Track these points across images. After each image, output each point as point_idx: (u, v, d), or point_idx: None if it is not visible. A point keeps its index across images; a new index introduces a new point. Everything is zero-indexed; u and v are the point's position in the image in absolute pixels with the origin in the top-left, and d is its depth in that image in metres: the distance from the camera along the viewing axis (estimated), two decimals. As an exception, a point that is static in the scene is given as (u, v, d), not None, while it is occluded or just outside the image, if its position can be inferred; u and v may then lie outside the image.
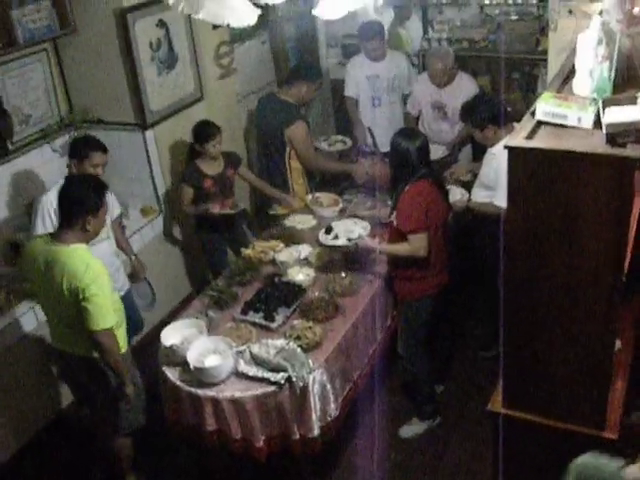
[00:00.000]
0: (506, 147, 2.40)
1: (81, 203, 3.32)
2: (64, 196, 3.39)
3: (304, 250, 4.35)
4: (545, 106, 2.50)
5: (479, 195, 4.33)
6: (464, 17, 6.49)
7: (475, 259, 4.51)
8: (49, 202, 3.89)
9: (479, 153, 4.78)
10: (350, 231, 4.28)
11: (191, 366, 3.44)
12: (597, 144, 2.30)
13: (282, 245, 4.44)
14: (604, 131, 2.31)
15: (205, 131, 4.62)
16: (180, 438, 3.80)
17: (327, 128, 6.91)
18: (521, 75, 6.43)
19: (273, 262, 4.29)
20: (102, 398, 3.65)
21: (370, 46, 5.57)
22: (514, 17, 6.22)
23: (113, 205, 4.20)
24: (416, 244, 3.72)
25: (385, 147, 5.47)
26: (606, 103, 2.43)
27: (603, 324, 2.48)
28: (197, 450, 3.89)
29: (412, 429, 4.22)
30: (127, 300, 4.15)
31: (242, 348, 3.57)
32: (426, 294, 3.90)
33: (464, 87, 5.28)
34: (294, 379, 3.36)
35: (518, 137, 2.41)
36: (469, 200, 4.40)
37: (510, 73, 6.34)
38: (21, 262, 3.72)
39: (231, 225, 4.92)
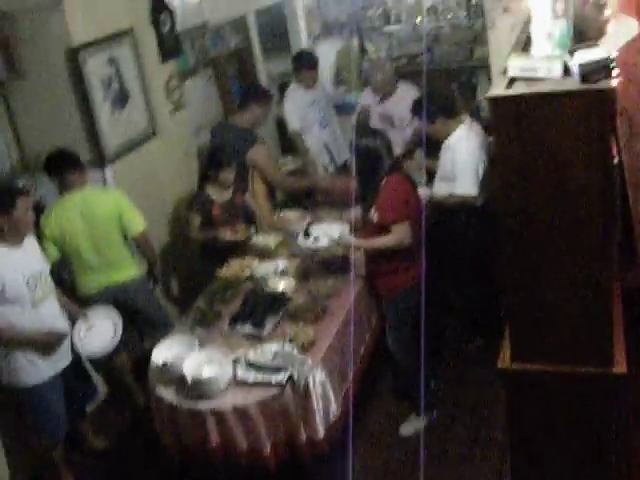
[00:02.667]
0: (488, 99, 2.49)
1: None
2: None
3: (281, 263, 4.35)
4: (516, 62, 2.61)
5: (441, 189, 4.44)
6: (400, 35, 6.73)
7: (444, 254, 4.59)
8: None
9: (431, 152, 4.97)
10: (329, 233, 4.27)
11: (188, 380, 3.37)
12: (572, 85, 2.41)
13: (256, 261, 4.44)
14: (577, 72, 2.42)
15: (220, 158, 4.57)
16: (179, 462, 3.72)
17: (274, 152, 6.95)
18: (459, 85, 6.66)
19: (251, 278, 4.28)
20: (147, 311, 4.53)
21: (309, 75, 5.72)
22: (447, 30, 6.48)
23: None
24: (401, 234, 3.77)
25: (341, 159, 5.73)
26: (572, 51, 2.56)
27: (600, 261, 2.55)
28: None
29: (412, 426, 4.19)
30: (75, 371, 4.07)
31: (238, 355, 3.52)
32: (411, 284, 3.94)
33: (406, 95, 5.45)
34: (296, 377, 3.33)
35: (498, 89, 2.50)
36: (431, 197, 4.50)
37: (449, 84, 6.57)
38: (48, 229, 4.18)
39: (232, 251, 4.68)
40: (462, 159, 4.27)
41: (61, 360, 3.89)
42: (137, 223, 4.33)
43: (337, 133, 5.96)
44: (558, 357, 2.75)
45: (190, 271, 5.50)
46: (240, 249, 4.66)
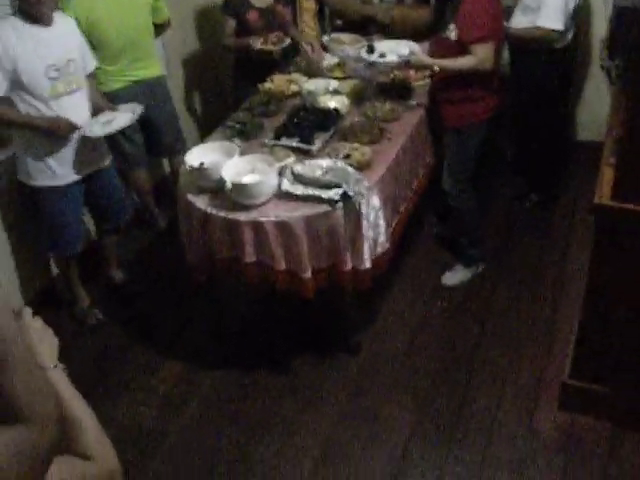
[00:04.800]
0: None
1: None
2: None
3: (332, 83, 3.86)
4: None
5: (520, 22, 3.90)
6: None
7: (514, 95, 4.12)
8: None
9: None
10: (397, 50, 3.71)
11: (228, 184, 2.95)
12: None
13: (304, 78, 3.95)
14: None
15: None
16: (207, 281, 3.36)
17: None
18: None
19: (298, 94, 3.81)
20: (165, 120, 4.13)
21: None
22: None
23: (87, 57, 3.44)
24: (483, 55, 3.24)
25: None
26: None
27: None
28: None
29: (456, 276, 3.84)
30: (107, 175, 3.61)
31: (283, 164, 3.10)
32: (482, 117, 3.48)
33: None
34: (351, 194, 2.91)
35: None
36: (508, 29, 3.96)
37: None
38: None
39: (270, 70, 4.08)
40: None
41: (82, 168, 3.42)
42: (165, 10, 4.03)
43: None
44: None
45: (218, 89, 5.03)
46: (279, 66, 4.15)
